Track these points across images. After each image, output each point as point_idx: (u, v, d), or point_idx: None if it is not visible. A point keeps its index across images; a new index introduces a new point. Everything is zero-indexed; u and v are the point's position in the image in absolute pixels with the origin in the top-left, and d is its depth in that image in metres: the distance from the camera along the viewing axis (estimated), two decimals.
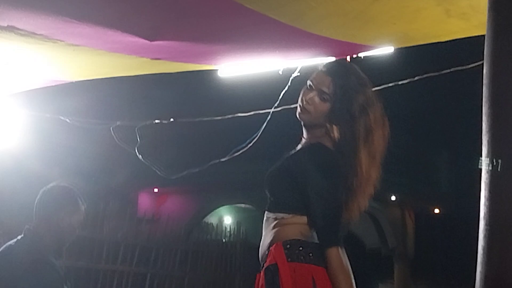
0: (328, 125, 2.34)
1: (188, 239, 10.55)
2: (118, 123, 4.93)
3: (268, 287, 2.23)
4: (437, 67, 3.92)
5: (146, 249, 9.03)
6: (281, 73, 4.13)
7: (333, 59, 3.93)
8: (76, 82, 4.64)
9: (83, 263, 7.88)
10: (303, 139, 2.46)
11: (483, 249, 1.69)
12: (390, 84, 3.89)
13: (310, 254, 2.24)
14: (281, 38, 3.69)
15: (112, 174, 12.08)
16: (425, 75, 3.98)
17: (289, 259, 2.23)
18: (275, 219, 2.37)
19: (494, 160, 1.70)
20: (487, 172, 1.72)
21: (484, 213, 1.71)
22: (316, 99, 2.36)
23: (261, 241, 2.44)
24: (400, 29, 3.58)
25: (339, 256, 2.19)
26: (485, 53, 1.82)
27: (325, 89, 2.35)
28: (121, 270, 8.48)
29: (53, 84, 4.69)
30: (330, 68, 2.43)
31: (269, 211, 2.42)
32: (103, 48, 3.68)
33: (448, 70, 3.85)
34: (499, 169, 1.69)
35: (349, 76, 2.39)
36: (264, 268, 2.30)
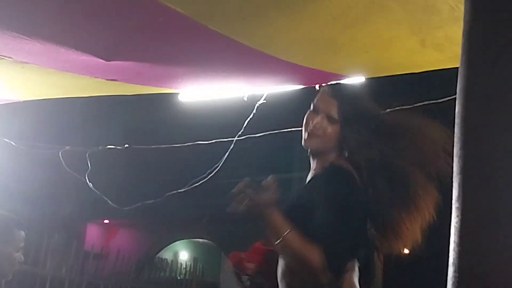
0: (338, 151, 2.31)
1: (139, 277, 10.40)
2: (67, 147, 4.88)
3: None
4: (410, 100, 3.99)
5: (93, 286, 8.86)
6: (246, 100, 4.15)
7: (301, 87, 3.97)
8: (24, 102, 4.59)
9: None
10: (312, 170, 2.41)
11: None
12: None
13: None
14: (248, 63, 3.72)
15: (59, 203, 11.89)
16: (396, 108, 4.03)
17: None
18: None
19: (464, 205, 1.72)
20: (457, 216, 1.74)
21: (453, 259, 1.72)
22: (325, 122, 2.34)
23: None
24: (372, 58, 3.64)
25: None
26: (457, 90, 1.85)
27: (333, 113, 2.33)
28: None
29: None
30: (336, 91, 2.40)
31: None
32: (54, 67, 3.65)
33: (421, 104, 3.90)
34: (469, 214, 1.71)
35: (356, 99, 2.37)
36: None
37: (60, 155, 4.84)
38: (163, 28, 3.13)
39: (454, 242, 1.72)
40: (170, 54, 3.60)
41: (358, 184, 2.21)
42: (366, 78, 3.85)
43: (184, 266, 11.83)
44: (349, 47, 3.41)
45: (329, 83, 2.47)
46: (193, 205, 11.34)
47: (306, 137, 2.38)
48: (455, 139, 1.80)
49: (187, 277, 11.49)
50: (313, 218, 2.18)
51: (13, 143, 4.97)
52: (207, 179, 4.43)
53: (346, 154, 2.28)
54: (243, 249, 2.55)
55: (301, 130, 2.46)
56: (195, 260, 12.75)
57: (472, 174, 1.74)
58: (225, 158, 4.27)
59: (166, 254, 14.69)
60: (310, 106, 2.41)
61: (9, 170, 6.02)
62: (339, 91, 2.39)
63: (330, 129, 2.32)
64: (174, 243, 15.53)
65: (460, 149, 1.77)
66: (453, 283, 1.70)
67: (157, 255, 14.28)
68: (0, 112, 4.89)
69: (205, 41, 3.26)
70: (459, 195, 1.75)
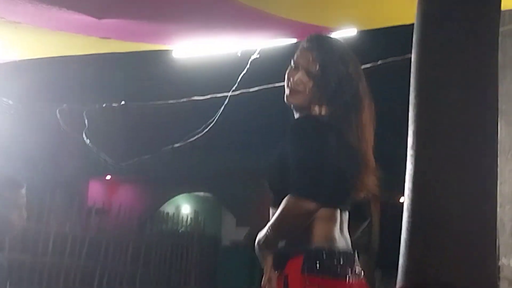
0: (317, 104, 2.34)
1: (142, 230, 10.52)
2: (64, 106, 4.89)
3: None
4: (401, 51, 3.99)
5: (96, 241, 8.98)
6: (239, 55, 4.15)
7: (293, 41, 3.97)
8: (19, 61, 4.58)
9: (28, 256, 7.80)
10: None
11: (405, 242, 1.74)
12: None
13: (330, 266, 2.18)
14: (240, 19, 3.71)
15: (59, 161, 11.94)
16: (388, 59, 4.05)
17: (305, 272, 2.15)
18: None
19: (418, 152, 1.75)
20: (411, 163, 1.77)
21: (407, 204, 1.76)
22: (305, 78, 2.33)
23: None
24: (364, 11, 3.63)
25: (291, 203, 2.14)
26: (413, 42, 1.86)
27: (312, 67, 2.33)
28: (68, 264, 8.43)
29: None
30: (312, 44, 2.39)
31: (273, 207, 2.29)
32: (47, 26, 3.65)
33: (412, 54, 3.90)
34: (422, 161, 1.74)
35: (332, 49, 2.36)
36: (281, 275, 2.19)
37: (58, 113, 4.85)
38: None
39: (408, 188, 1.76)
40: (162, 11, 3.58)
41: (327, 132, 2.25)
42: (358, 31, 3.84)
43: (186, 219, 11.97)
44: (340, 0, 3.40)
45: (306, 38, 2.46)
46: (192, 159, 11.42)
47: (288, 93, 2.40)
48: (411, 89, 1.82)
49: (188, 229, 11.61)
50: (286, 166, 2.21)
51: (10, 102, 4.98)
52: (203, 134, 4.46)
53: (323, 109, 2.32)
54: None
55: None
56: (196, 213, 12.86)
57: (425, 123, 1.76)
58: (220, 113, 4.29)
59: (168, 208, 14.82)
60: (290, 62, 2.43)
61: (7, 130, 6.03)
62: (315, 44, 2.40)
63: (311, 83, 2.35)
64: (175, 197, 15.66)
65: (414, 98, 1.80)
66: (407, 228, 1.74)
67: (159, 209, 14.42)
68: None
69: None
70: (413, 143, 1.78)
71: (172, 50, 4.31)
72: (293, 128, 2.32)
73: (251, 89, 4.47)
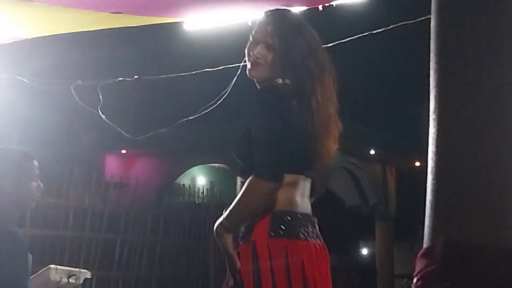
0: (280, 76, 2.37)
1: (160, 203, 10.60)
2: (79, 82, 4.90)
3: (245, 263, 2.23)
4: (413, 15, 3.95)
5: (115, 215, 9.06)
6: (250, 25, 4.12)
7: (304, 8, 3.93)
8: (32, 39, 4.59)
9: (49, 231, 7.90)
10: None
11: (430, 203, 1.75)
12: (364, 34, 3.91)
13: (293, 228, 2.26)
14: None
15: (76, 137, 12.01)
16: (400, 23, 4.01)
17: (272, 234, 2.24)
18: None
19: (440, 116, 1.75)
20: (434, 127, 1.77)
21: (431, 167, 1.76)
22: (264, 51, 2.38)
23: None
24: None
25: (253, 183, 2.21)
26: (432, 4, 1.84)
27: (269, 40, 2.37)
28: (89, 238, 8.53)
29: (8, 42, 4.62)
30: (269, 18, 2.45)
31: (241, 176, 2.41)
32: (59, 4, 3.65)
33: (424, 18, 3.87)
34: (444, 124, 1.74)
35: (287, 22, 2.42)
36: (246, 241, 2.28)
37: (72, 89, 4.86)
38: None
39: (432, 151, 1.76)
40: None
41: (289, 99, 2.29)
42: None
43: (202, 191, 12.03)
44: None
45: (264, 12, 2.50)
46: (206, 131, 11.44)
47: (250, 67, 2.43)
48: (431, 54, 1.80)
49: (205, 201, 11.69)
50: (251, 137, 2.29)
51: (26, 81, 4.99)
52: (217, 105, 4.45)
53: (289, 77, 2.36)
54: None
55: None
56: (212, 184, 12.92)
57: (446, 87, 1.76)
58: (233, 84, 4.27)
59: (184, 180, 14.90)
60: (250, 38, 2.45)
61: (24, 108, 6.07)
62: (271, 18, 2.43)
63: (271, 56, 2.37)
64: (191, 169, 15.72)
65: (435, 63, 1.78)
66: (432, 190, 1.74)
67: (175, 181, 14.50)
68: (11, 50, 4.89)
69: None
70: (435, 107, 1.77)
71: (182, 22, 4.29)
72: (254, 99, 2.35)
73: None
